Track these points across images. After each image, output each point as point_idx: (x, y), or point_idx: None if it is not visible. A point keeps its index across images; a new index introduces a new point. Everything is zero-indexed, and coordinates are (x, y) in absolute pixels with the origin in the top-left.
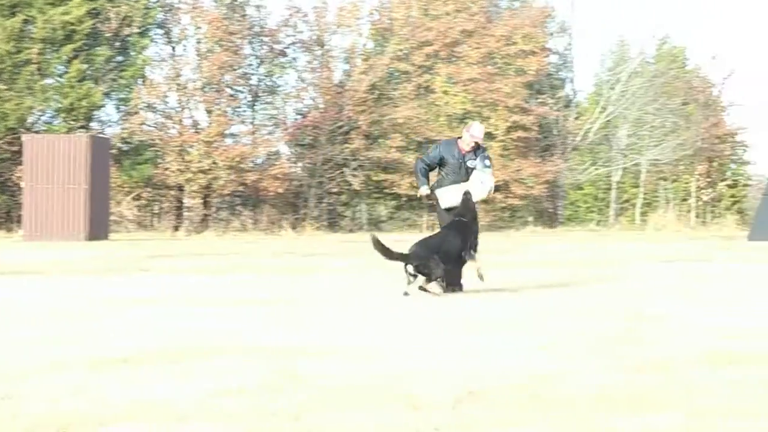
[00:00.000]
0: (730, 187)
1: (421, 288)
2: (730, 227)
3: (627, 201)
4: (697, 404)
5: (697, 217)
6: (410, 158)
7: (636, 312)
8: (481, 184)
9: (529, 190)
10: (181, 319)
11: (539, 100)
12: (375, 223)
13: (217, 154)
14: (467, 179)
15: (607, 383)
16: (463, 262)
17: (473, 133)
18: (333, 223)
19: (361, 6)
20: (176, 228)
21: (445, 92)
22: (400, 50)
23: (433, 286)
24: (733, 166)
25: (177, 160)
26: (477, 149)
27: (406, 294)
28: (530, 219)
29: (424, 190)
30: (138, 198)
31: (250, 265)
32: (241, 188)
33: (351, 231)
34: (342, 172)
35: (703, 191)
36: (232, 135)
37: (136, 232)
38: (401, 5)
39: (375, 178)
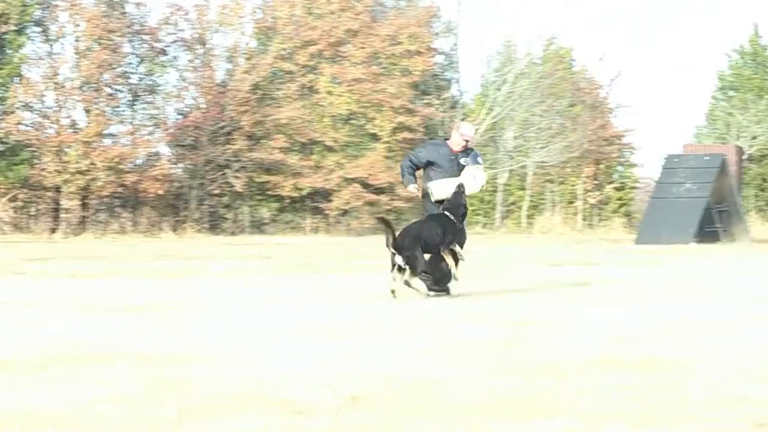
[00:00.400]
0: (617, 189)
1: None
2: (617, 230)
3: (513, 203)
4: (586, 409)
5: (584, 220)
6: (293, 159)
7: (523, 316)
8: (473, 178)
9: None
10: (57, 324)
11: (425, 101)
12: (257, 226)
13: (95, 155)
14: (458, 175)
15: (496, 388)
16: (441, 253)
17: (463, 132)
18: (214, 225)
19: (244, 4)
20: (53, 230)
21: (330, 92)
22: (284, 49)
23: (418, 283)
24: (620, 168)
25: (54, 160)
26: (468, 151)
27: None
28: None
29: (413, 188)
30: (14, 199)
31: (128, 269)
32: (120, 190)
33: (233, 233)
34: (224, 174)
35: (590, 194)
36: (111, 135)
37: (12, 234)
38: (285, 4)
39: (258, 180)
